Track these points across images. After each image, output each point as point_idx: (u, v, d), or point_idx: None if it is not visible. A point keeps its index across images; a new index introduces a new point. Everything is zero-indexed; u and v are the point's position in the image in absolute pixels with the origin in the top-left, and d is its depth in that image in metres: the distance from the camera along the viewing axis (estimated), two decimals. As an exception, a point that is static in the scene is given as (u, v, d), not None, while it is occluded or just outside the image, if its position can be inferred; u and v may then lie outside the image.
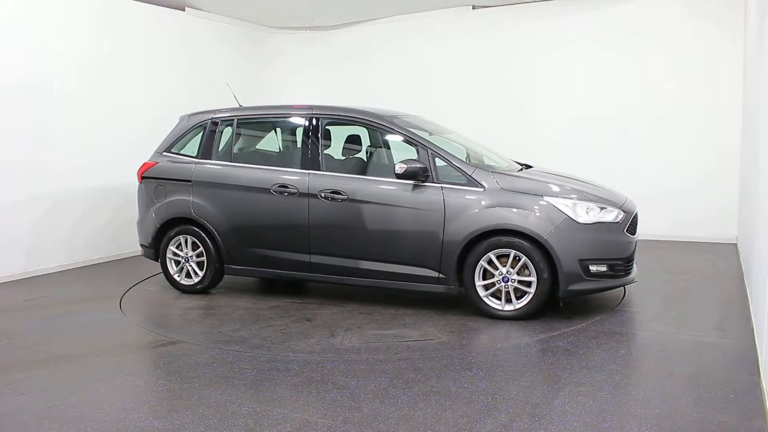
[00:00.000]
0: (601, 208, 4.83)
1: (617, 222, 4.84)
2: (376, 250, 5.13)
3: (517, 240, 4.72)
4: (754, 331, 4.29)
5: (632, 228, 5.01)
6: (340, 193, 5.20)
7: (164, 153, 6.06)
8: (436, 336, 4.49)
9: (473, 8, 8.83)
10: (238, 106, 6.14)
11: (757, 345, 3.98)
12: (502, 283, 4.78)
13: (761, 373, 3.58)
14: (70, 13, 6.99)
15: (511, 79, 8.69)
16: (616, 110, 8.08)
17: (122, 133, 7.56)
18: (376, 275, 5.17)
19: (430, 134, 5.62)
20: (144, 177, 6.10)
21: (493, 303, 4.84)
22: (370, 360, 4.04)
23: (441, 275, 4.95)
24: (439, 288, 5.00)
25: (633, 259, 5.02)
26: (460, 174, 4.96)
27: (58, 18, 6.88)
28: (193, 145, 5.98)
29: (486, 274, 4.85)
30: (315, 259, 5.35)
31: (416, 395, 3.47)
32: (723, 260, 6.74)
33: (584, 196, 4.90)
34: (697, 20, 7.62)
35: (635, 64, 7.94)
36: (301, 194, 5.32)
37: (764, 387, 3.38)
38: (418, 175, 4.94)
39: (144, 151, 7.65)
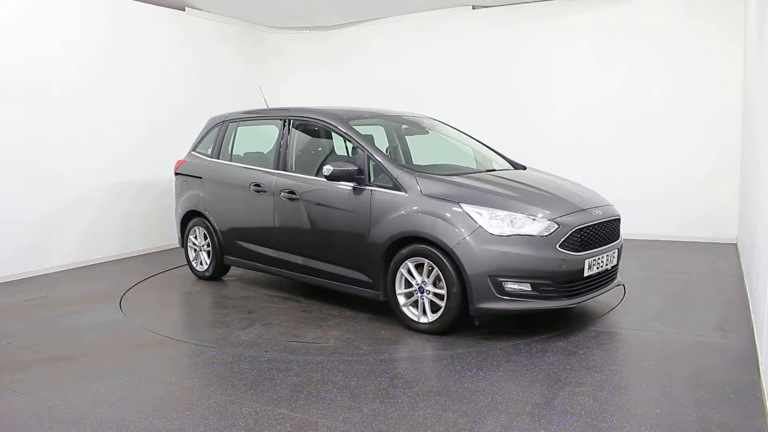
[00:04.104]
0: (533, 219, 4.30)
1: (544, 236, 4.23)
2: (320, 250, 5.17)
3: (429, 249, 4.40)
4: (754, 331, 4.29)
5: (578, 243, 4.35)
6: (294, 193, 5.29)
7: (192, 152, 6.55)
8: (328, 341, 4.42)
9: (473, 8, 8.83)
10: (266, 107, 6.36)
11: (757, 345, 3.99)
12: (419, 294, 4.53)
13: (761, 373, 3.58)
14: (70, 13, 6.99)
15: (511, 79, 8.69)
16: (616, 110, 8.07)
17: (122, 133, 7.57)
18: (322, 275, 5.19)
19: (409, 134, 5.77)
20: (176, 173, 6.63)
21: (411, 313, 4.59)
22: (280, 359, 4.08)
23: (370, 280, 4.82)
24: (369, 293, 4.85)
25: (580, 280, 4.38)
26: (388, 177, 4.74)
27: (58, 18, 6.87)
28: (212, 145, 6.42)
29: (409, 283, 4.60)
30: (280, 255, 5.51)
31: (416, 395, 3.47)
32: (723, 260, 6.74)
33: (513, 205, 4.36)
34: (697, 20, 7.61)
35: (635, 64, 7.94)
36: (269, 193, 5.50)
37: (764, 387, 3.38)
38: (350, 177, 4.82)
39: (143, 151, 7.75)
